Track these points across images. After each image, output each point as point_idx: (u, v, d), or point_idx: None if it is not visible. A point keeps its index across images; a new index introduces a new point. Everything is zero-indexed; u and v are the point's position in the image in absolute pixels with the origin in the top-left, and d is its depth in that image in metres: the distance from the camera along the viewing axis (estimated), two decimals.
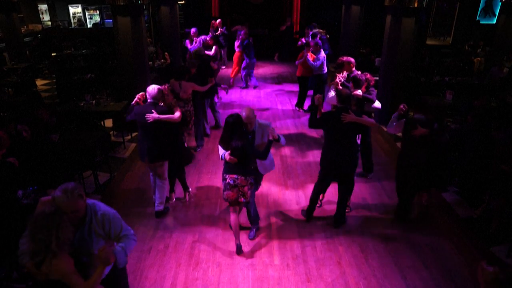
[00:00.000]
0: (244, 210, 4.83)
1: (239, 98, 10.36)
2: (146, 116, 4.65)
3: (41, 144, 5.09)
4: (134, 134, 7.76)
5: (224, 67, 13.54)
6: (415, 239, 4.79)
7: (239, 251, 4.48)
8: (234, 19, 14.66)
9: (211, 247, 4.61)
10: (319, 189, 5.01)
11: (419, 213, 5.27)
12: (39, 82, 11.91)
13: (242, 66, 11.03)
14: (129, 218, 4.95)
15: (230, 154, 4.16)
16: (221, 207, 5.42)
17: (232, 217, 4.43)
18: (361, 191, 5.87)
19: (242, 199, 4.31)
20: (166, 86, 5.18)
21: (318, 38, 9.07)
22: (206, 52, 9.66)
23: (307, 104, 9.43)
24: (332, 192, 5.77)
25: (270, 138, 4.25)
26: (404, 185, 5.02)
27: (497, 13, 13.93)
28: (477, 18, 14.62)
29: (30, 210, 4.07)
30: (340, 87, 5.72)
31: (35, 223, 2.32)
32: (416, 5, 7.39)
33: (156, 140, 4.84)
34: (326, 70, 8.48)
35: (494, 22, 14.01)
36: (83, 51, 12.96)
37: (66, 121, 6.91)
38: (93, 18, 17.82)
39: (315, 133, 7.87)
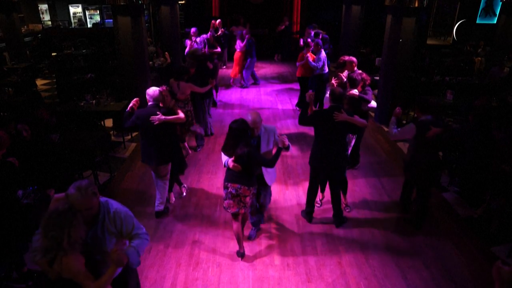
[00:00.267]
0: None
1: (239, 98, 10.35)
2: (151, 119, 4.60)
3: (41, 144, 5.09)
4: (134, 134, 7.76)
5: (224, 67, 13.53)
6: (416, 239, 4.79)
7: (241, 257, 4.42)
8: (234, 19, 14.65)
9: (211, 247, 4.61)
10: (313, 190, 5.01)
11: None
12: (39, 82, 11.92)
13: (246, 65, 11.03)
14: None
15: (234, 161, 3.93)
16: (221, 207, 5.41)
17: (234, 226, 4.28)
18: (361, 190, 5.86)
19: (243, 210, 4.13)
20: (164, 88, 5.15)
21: (320, 37, 9.08)
22: (214, 50, 9.65)
23: None
24: None
25: (280, 145, 3.97)
26: (413, 186, 5.06)
27: (497, 13, 13.91)
28: (477, 21, 14.60)
29: (30, 209, 4.08)
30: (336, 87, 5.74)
31: (48, 220, 2.31)
32: (416, 5, 7.39)
33: (162, 142, 4.82)
34: (327, 70, 8.48)
35: (495, 22, 14.00)
36: (83, 51, 12.96)
37: (66, 121, 6.91)
38: (93, 18, 17.83)
39: None
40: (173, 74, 6.55)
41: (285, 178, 6.21)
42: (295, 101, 9.71)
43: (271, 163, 4.01)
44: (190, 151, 6.96)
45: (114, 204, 2.75)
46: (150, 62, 9.50)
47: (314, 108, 5.03)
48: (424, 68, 10.09)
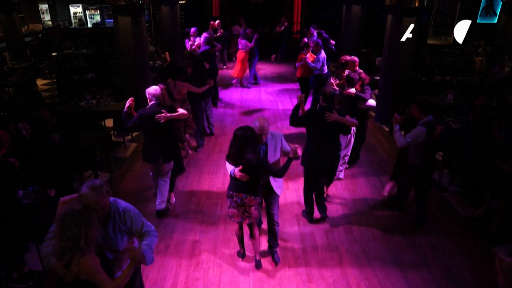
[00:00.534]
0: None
1: (239, 98, 10.35)
2: (157, 117, 4.61)
3: (41, 144, 5.09)
4: (134, 134, 7.76)
5: (225, 66, 13.52)
6: (416, 239, 4.79)
7: (242, 257, 4.42)
8: (234, 19, 14.65)
9: (212, 247, 4.60)
10: (308, 190, 5.01)
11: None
12: (40, 82, 11.91)
13: (253, 65, 10.98)
14: None
15: (241, 170, 3.73)
16: (222, 207, 5.41)
17: (235, 227, 4.24)
18: (361, 190, 5.86)
19: (248, 220, 3.95)
20: (162, 86, 5.15)
21: (319, 37, 9.07)
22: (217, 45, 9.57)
23: (308, 104, 9.42)
24: (333, 192, 5.77)
25: (291, 155, 3.84)
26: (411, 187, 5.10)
27: (498, 13, 13.90)
28: (478, 21, 14.59)
29: (30, 210, 4.08)
30: (336, 88, 5.78)
31: (63, 221, 2.29)
32: (417, 4, 7.38)
33: (167, 140, 4.90)
34: (326, 70, 8.47)
35: (495, 21, 13.99)
36: (84, 51, 12.95)
37: (67, 121, 6.91)
38: (93, 18, 17.83)
39: None
40: (170, 74, 6.57)
41: (285, 178, 6.19)
42: (296, 101, 9.69)
43: (280, 173, 3.82)
44: (190, 152, 6.95)
45: (123, 203, 2.78)
46: (151, 62, 9.49)
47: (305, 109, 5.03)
48: (424, 68, 10.08)
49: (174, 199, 5.54)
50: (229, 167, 3.88)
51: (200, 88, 6.52)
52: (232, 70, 11.37)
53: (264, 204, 4.24)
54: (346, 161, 6.05)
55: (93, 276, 2.38)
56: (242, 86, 11.34)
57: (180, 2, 13.75)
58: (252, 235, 4.12)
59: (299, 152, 3.85)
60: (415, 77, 9.05)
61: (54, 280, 4.06)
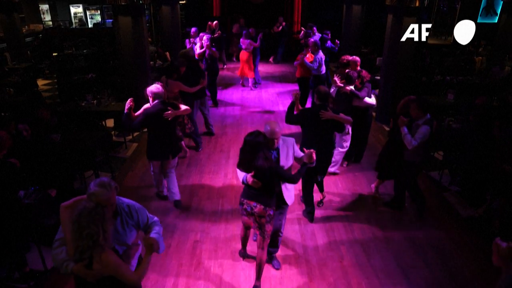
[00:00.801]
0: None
1: (240, 98, 10.35)
2: (165, 115, 4.74)
3: (41, 144, 5.09)
4: (135, 134, 7.76)
5: (225, 66, 13.51)
6: (417, 239, 4.79)
7: (243, 257, 4.40)
8: (234, 19, 14.66)
9: (213, 247, 4.61)
10: (307, 189, 5.03)
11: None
12: (40, 82, 11.92)
13: (256, 65, 10.89)
14: None
15: (254, 176, 3.58)
16: (222, 207, 5.42)
17: (241, 230, 4.21)
18: (362, 190, 5.86)
19: (258, 232, 3.77)
20: (161, 84, 5.16)
21: (318, 37, 9.06)
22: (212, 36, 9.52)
23: (308, 104, 9.42)
24: (334, 191, 5.78)
25: (306, 161, 3.72)
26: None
27: (498, 12, 13.90)
28: (478, 20, 14.57)
29: (31, 210, 4.08)
30: (341, 85, 5.83)
31: (79, 221, 2.29)
32: (417, 4, 7.39)
33: (173, 136, 5.08)
34: (324, 71, 8.39)
35: (496, 21, 13.98)
36: (84, 51, 12.96)
37: (67, 121, 6.91)
38: (94, 18, 17.85)
39: None
40: (164, 72, 6.61)
41: None
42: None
43: (295, 179, 3.66)
44: (188, 152, 6.95)
45: (125, 200, 2.83)
46: (151, 62, 9.50)
47: (300, 107, 5.07)
48: (424, 67, 10.08)
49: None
50: (241, 174, 3.72)
51: (192, 87, 6.48)
52: (238, 71, 11.03)
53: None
54: (339, 157, 6.14)
55: (117, 270, 2.40)
56: (243, 86, 11.30)
57: (180, 2, 13.76)
58: (259, 247, 3.86)
59: (314, 157, 3.71)
60: (415, 77, 9.05)
61: (54, 280, 4.08)
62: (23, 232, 3.98)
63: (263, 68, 13.51)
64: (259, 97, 10.48)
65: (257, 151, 3.51)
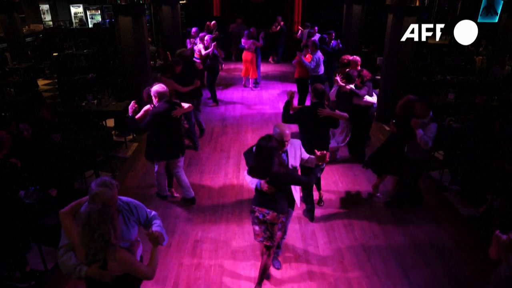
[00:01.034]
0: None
1: (240, 98, 10.35)
2: (174, 113, 4.81)
3: (42, 144, 5.09)
4: (136, 134, 7.76)
5: (223, 66, 13.45)
6: (418, 238, 4.79)
7: (268, 278, 4.06)
8: (234, 19, 14.65)
9: (213, 247, 4.61)
10: (307, 188, 5.02)
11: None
12: (41, 82, 11.93)
13: (259, 64, 10.83)
14: None
15: (268, 182, 3.44)
16: (223, 206, 5.42)
17: (261, 260, 3.84)
18: (362, 189, 5.86)
19: (269, 243, 3.60)
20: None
21: (318, 37, 9.06)
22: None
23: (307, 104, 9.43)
24: (334, 191, 5.78)
25: (318, 162, 3.64)
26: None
27: (499, 12, 13.88)
28: (479, 20, 14.55)
29: (31, 210, 4.09)
30: (342, 84, 5.85)
31: (89, 222, 2.30)
32: (417, 4, 7.39)
33: (180, 133, 5.15)
34: (322, 71, 8.35)
35: (496, 21, 13.97)
36: (85, 51, 12.98)
37: (68, 121, 6.92)
38: (94, 18, 17.86)
39: None
40: (159, 70, 6.62)
41: None
42: (296, 101, 9.70)
43: (310, 182, 3.57)
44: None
45: (123, 198, 2.85)
46: (152, 62, 9.50)
47: (295, 106, 5.11)
48: (425, 67, 10.08)
49: (175, 194, 5.62)
50: (251, 181, 3.56)
51: (184, 87, 6.46)
52: (242, 72, 10.93)
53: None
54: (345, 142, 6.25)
55: (132, 266, 2.47)
56: (245, 86, 11.26)
57: (180, 2, 13.77)
58: (265, 254, 3.74)
59: (328, 157, 3.63)
60: (416, 77, 9.05)
61: (55, 280, 4.08)
62: (23, 232, 3.98)
63: (263, 68, 13.48)
64: (260, 97, 10.48)
65: (272, 156, 3.36)
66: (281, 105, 9.74)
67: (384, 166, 5.37)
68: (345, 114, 4.88)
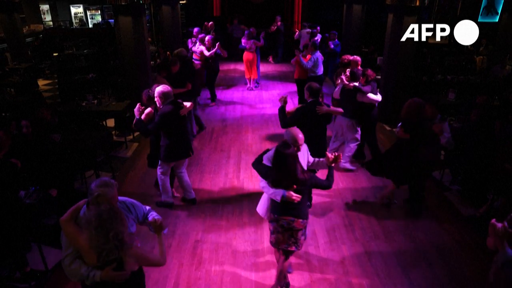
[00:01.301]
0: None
1: (240, 97, 10.35)
2: (181, 112, 4.81)
3: (42, 144, 5.09)
4: (136, 134, 7.76)
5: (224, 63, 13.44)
6: (418, 238, 4.78)
7: (287, 286, 3.92)
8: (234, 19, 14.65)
9: (214, 247, 4.60)
10: None
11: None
12: (41, 82, 11.93)
13: (258, 65, 10.80)
14: None
15: (295, 191, 3.32)
16: (223, 206, 5.42)
17: (276, 253, 3.84)
18: (363, 189, 5.86)
19: (294, 247, 3.52)
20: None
21: (319, 38, 9.05)
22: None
23: None
24: (335, 191, 5.77)
25: (330, 163, 3.59)
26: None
27: (499, 11, 13.87)
28: (479, 19, 14.53)
29: (32, 210, 4.09)
30: (346, 82, 5.87)
31: (103, 224, 2.29)
32: (417, 3, 7.38)
33: (187, 132, 5.14)
34: (321, 72, 8.30)
35: (497, 20, 13.95)
36: (85, 51, 12.98)
37: (68, 121, 6.92)
38: (94, 18, 17.87)
39: None
40: (155, 69, 6.63)
41: None
42: (297, 101, 9.69)
43: (329, 185, 3.54)
44: None
45: (119, 198, 2.85)
46: (152, 62, 9.50)
47: (290, 108, 5.16)
48: (425, 67, 10.07)
49: (176, 194, 5.61)
50: (274, 193, 3.36)
51: (176, 89, 6.31)
52: (246, 72, 10.85)
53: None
54: (352, 152, 6.21)
55: (146, 257, 2.58)
56: (245, 84, 11.25)
57: (180, 2, 13.78)
58: (282, 259, 3.70)
59: (342, 158, 3.60)
60: (416, 77, 9.05)
61: (55, 280, 4.07)
62: (23, 232, 3.98)
63: (263, 68, 13.49)
64: (260, 97, 10.47)
65: (295, 163, 3.29)
66: (285, 105, 9.73)
67: (397, 173, 5.11)
68: (340, 109, 5.06)
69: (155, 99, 4.75)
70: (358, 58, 6.54)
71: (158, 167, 5.12)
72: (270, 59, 14.22)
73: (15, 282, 4.08)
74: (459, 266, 4.33)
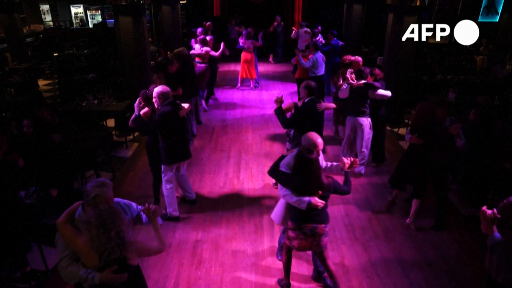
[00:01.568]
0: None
1: (240, 98, 10.34)
2: (180, 113, 4.80)
3: (42, 144, 5.10)
4: (136, 134, 7.76)
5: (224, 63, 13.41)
6: (418, 238, 4.78)
7: (288, 286, 3.96)
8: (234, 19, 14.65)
9: (214, 247, 4.61)
10: None
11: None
12: (41, 82, 11.93)
13: (256, 65, 10.76)
14: None
15: (320, 197, 3.31)
16: (223, 206, 5.42)
17: (284, 255, 3.85)
18: (364, 189, 5.86)
19: (317, 249, 3.59)
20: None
21: (319, 38, 9.05)
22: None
23: None
24: None
25: (347, 169, 3.58)
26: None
27: (499, 11, 13.87)
28: (479, 19, 14.52)
29: (32, 210, 4.09)
30: (352, 82, 5.86)
31: (104, 223, 2.29)
32: (417, 3, 7.38)
33: (186, 133, 5.18)
34: (322, 72, 8.27)
35: (497, 20, 13.95)
36: (85, 51, 12.98)
37: (68, 121, 6.92)
38: (94, 18, 17.87)
39: None
40: (154, 68, 6.63)
41: None
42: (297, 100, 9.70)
43: (349, 190, 3.56)
44: None
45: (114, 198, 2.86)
46: (152, 62, 9.50)
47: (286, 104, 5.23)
48: (425, 67, 10.07)
49: (176, 193, 5.57)
50: (299, 200, 3.30)
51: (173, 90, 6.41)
52: (242, 72, 10.74)
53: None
54: (365, 157, 6.14)
55: (146, 249, 2.66)
56: (236, 85, 11.22)
57: (181, 2, 13.78)
58: (326, 266, 3.69)
59: (358, 162, 3.59)
60: (416, 76, 9.05)
61: (55, 280, 4.08)
62: (24, 232, 3.99)
63: (263, 68, 13.49)
64: (260, 97, 10.47)
65: (320, 168, 3.28)
66: (281, 105, 9.73)
67: (416, 182, 4.88)
68: (333, 105, 5.65)
69: (154, 100, 4.61)
70: (359, 58, 6.53)
71: (162, 175, 4.91)
72: (271, 58, 14.19)
73: (15, 282, 4.08)
74: (459, 266, 4.33)
